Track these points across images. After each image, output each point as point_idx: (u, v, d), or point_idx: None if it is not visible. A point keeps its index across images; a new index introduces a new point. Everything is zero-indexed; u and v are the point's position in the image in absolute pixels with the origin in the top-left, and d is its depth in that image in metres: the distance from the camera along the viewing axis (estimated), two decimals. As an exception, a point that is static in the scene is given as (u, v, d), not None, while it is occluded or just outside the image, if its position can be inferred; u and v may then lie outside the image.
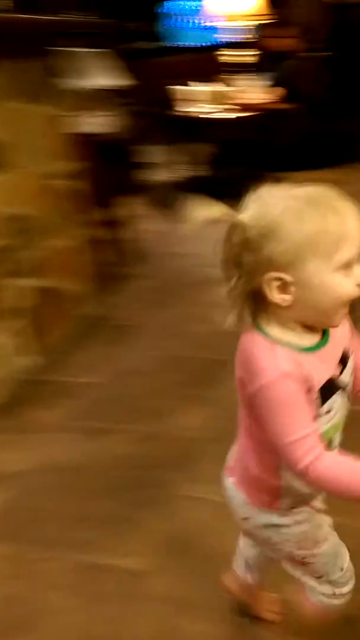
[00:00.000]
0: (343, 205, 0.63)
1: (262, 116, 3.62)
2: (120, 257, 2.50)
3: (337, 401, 0.70)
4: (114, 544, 1.19)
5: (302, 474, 0.64)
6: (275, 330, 0.66)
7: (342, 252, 0.62)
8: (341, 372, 0.70)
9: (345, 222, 0.62)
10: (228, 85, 3.84)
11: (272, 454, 0.69)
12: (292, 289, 0.63)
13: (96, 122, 2.31)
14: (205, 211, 0.64)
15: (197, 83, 3.78)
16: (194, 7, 4.47)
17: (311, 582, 0.82)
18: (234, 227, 0.63)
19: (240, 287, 0.65)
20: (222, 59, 4.11)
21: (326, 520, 0.81)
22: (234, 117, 3.62)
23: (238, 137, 3.48)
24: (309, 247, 0.61)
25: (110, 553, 1.18)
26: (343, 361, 0.70)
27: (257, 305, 0.66)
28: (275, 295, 0.63)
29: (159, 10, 4.52)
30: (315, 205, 0.62)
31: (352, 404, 0.75)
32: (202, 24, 4.48)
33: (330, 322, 0.68)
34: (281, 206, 0.62)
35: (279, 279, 0.62)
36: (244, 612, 1.00)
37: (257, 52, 4.10)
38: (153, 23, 4.45)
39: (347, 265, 0.62)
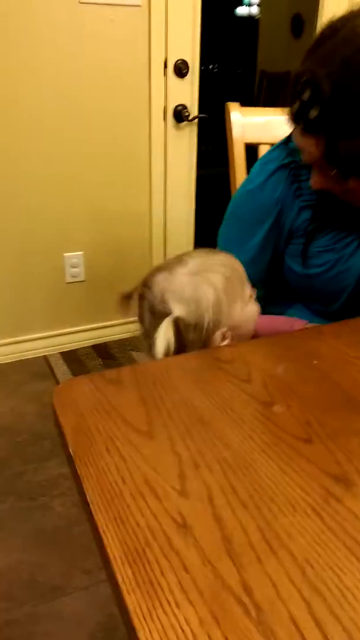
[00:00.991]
0: (226, 257, 0.78)
1: None
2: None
3: None
4: None
5: None
6: None
7: (246, 287, 0.77)
8: None
9: (235, 267, 0.76)
10: None
11: None
12: (228, 333, 0.74)
13: None
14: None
15: None
16: None
17: None
18: (174, 326, 0.71)
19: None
20: None
21: None
22: None
23: None
24: (228, 299, 0.73)
25: None
26: None
27: None
28: (221, 345, 0.74)
29: None
30: (212, 267, 0.74)
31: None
32: None
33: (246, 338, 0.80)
34: (192, 288, 0.72)
35: (220, 334, 0.73)
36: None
37: None
38: None
39: (250, 295, 0.78)
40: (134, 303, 0.77)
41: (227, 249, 0.91)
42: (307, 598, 0.34)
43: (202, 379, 0.59)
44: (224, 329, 0.73)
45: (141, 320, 0.76)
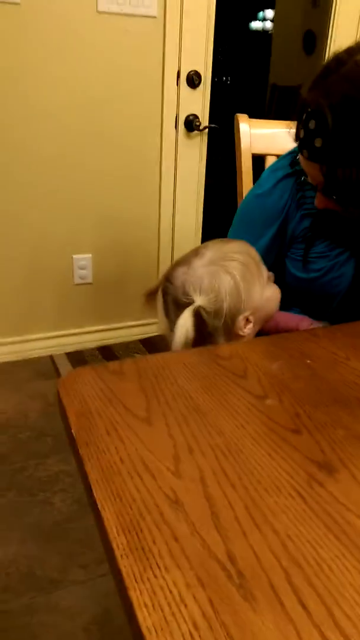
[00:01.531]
0: (240, 244, 0.82)
1: None
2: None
3: None
4: None
5: None
6: None
7: (263, 270, 0.81)
8: None
9: (249, 252, 0.80)
10: None
11: None
12: (251, 317, 0.78)
13: None
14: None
15: None
16: None
17: None
18: (197, 315, 0.74)
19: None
20: None
21: None
22: None
23: None
24: (246, 284, 0.77)
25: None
26: None
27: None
28: (245, 330, 0.78)
29: None
30: (227, 255, 0.78)
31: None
32: None
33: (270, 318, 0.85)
34: (210, 277, 0.76)
35: (242, 318, 0.77)
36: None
37: None
38: None
39: (268, 277, 0.82)
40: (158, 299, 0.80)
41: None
42: (286, 568, 0.37)
43: (201, 373, 0.62)
44: (246, 313, 0.77)
45: (167, 314, 0.79)
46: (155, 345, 2.23)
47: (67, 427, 0.52)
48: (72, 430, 0.50)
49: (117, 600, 1.07)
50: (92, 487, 0.43)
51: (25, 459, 1.59)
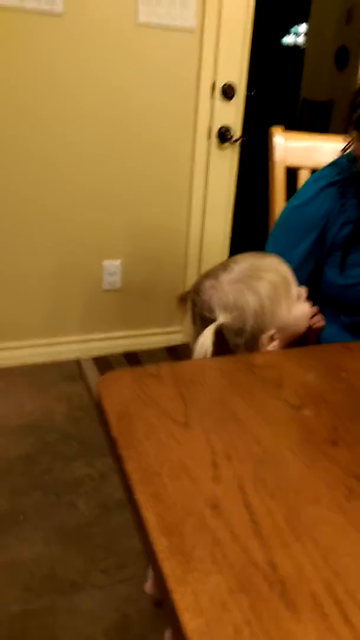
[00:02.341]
0: (271, 260, 0.81)
1: None
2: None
3: None
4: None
5: None
6: None
7: (292, 288, 0.80)
8: None
9: (279, 270, 0.79)
10: None
11: None
12: (276, 335, 0.77)
13: None
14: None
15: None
16: None
17: None
18: (218, 332, 0.74)
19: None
20: None
21: None
22: None
23: None
24: (272, 304, 0.76)
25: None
26: None
27: None
28: (268, 348, 0.78)
29: None
30: (255, 273, 0.77)
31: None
32: None
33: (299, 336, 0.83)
34: (235, 295, 0.76)
35: (266, 337, 0.77)
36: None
37: None
38: None
39: (299, 296, 0.81)
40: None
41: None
42: (327, 579, 0.37)
43: (236, 380, 0.62)
44: (270, 332, 0.77)
45: (194, 323, 0.80)
46: (179, 353, 2.24)
47: (107, 429, 0.53)
48: (113, 432, 0.51)
49: (137, 606, 1.07)
50: (133, 487, 0.44)
51: (51, 461, 1.60)
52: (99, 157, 1.89)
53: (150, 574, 1.14)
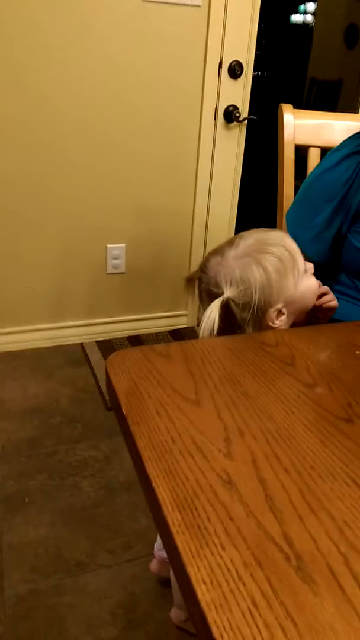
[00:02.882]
0: (277, 234, 0.79)
1: None
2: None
3: None
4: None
5: None
6: None
7: (299, 262, 0.78)
8: None
9: (285, 243, 0.78)
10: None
11: None
12: (284, 309, 0.77)
13: None
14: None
15: None
16: None
17: None
18: (225, 306, 0.73)
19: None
20: None
21: None
22: None
23: None
24: (279, 277, 0.75)
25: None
26: None
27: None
28: (277, 322, 0.77)
29: None
30: (260, 247, 0.76)
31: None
32: None
33: (307, 312, 0.83)
34: (241, 269, 0.75)
35: (274, 310, 0.76)
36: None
37: None
38: None
39: (305, 270, 0.80)
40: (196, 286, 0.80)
41: (294, 227, 0.98)
42: (344, 553, 0.36)
43: (247, 359, 0.61)
44: (278, 306, 0.76)
45: (202, 302, 0.79)
46: (184, 337, 2.23)
47: (117, 406, 0.52)
48: (123, 409, 0.50)
49: (143, 585, 1.08)
50: (145, 463, 0.43)
51: (56, 444, 1.61)
52: (103, 138, 1.86)
53: (156, 552, 1.15)
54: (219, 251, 0.78)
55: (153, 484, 0.41)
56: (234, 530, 0.38)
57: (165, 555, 1.14)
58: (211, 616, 0.31)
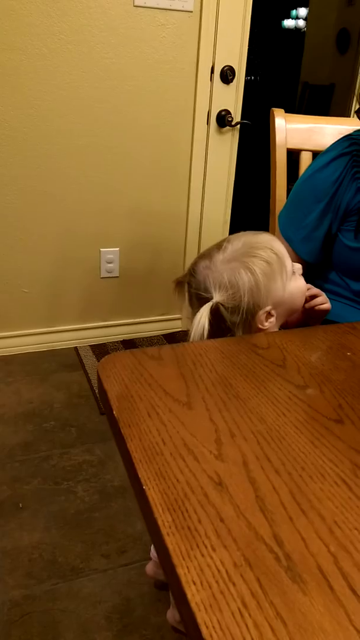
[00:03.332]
0: (264, 237, 0.79)
1: None
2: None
3: None
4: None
5: None
6: None
7: (287, 264, 0.79)
8: None
9: (272, 246, 0.78)
10: None
11: None
12: (273, 311, 0.77)
13: None
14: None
15: None
16: None
17: None
18: (215, 311, 0.74)
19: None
20: None
21: None
22: None
23: None
24: (267, 280, 0.76)
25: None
26: None
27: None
28: (266, 324, 0.77)
29: None
30: (248, 251, 0.77)
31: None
32: None
33: (297, 312, 0.84)
34: (229, 273, 0.75)
35: (263, 313, 0.76)
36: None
37: None
38: None
39: (293, 271, 0.81)
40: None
41: (286, 228, 0.99)
42: (334, 553, 0.36)
43: (239, 361, 0.62)
44: (267, 308, 0.76)
45: (192, 305, 0.80)
46: (178, 340, 2.23)
47: (108, 409, 0.52)
48: (114, 411, 0.50)
49: (139, 590, 1.08)
50: (136, 465, 0.43)
51: (50, 448, 1.60)
52: (96, 143, 1.87)
53: (152, 555, 1.14)
54: (207, 255, 0.79)
55: (144, 486, 0.41)
56: (224, 531, 0.38)
57: None
58: (201, 616, 0.31)
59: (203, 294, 0.76)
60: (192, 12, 1.78)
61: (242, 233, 0.82)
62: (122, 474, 1.52)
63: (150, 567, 1.18)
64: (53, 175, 1.86)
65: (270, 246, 0.79)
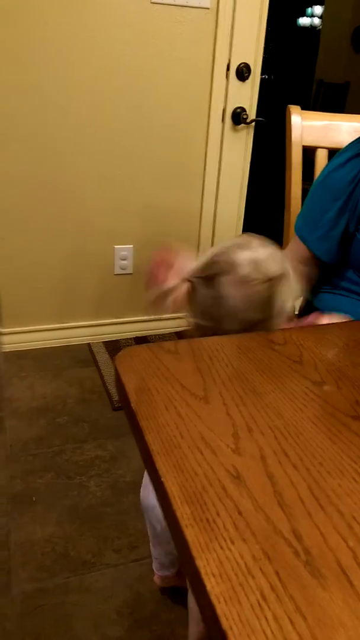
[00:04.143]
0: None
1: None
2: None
3: None
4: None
5: None
6: None
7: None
8: None
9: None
10: None
11: None
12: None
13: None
14: None
15: None
16: None
17: None
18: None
19: None
20: None
21: None
22: None
23: None
24: None
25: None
26: None
27: None
28: None
29: None
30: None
31: None
32: None
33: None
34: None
35: None
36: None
37: None
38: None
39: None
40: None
41: (301, 228, 1.00)
42: (353, 548, 0.36)
43: (256, 357, 0.61)
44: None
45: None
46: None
47: (126, 401, 0.53)
48: (132, 404, 0.51)
49: (149, 585, 1.08)
50: (154, 458, 0.44)
51: (63, 443, 1.61)
52: (110, 139, 1.87)
53: (157, 566, 1.14)
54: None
55: (162, 478, 0.42)
56: (242, 524, 0.38)
57: (167, 573, 1.14)
58: (220, 608, 0.32)
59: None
60: (208, 8, 1.78)
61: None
62: (134, 470, 1.52)
63: (158, 580, 1.18)
64: (66, 173, 1.87)
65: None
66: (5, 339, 2.04)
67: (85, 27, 1.70)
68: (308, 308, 1.10)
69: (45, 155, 1.82)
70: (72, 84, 1.75)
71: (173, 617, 1.16)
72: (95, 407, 1.79)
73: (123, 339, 2.19)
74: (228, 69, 1.87)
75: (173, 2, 1.74)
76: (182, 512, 0.39)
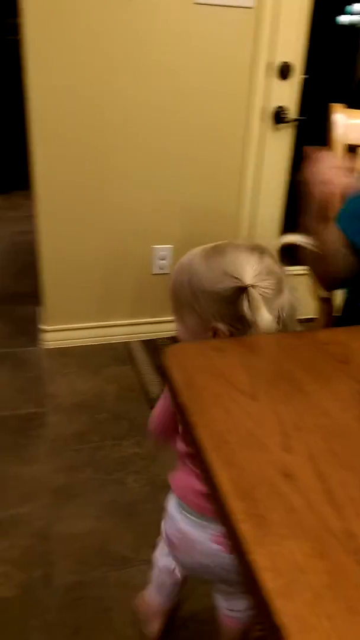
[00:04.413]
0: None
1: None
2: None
3: None
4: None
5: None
6: None
7: None
8: None
9: None
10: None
11: None
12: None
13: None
14: None
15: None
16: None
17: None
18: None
19: None
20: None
21: None
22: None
23: None
24: None
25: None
26: None
27: None
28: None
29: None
30: None
31: None
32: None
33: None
34: None
35: None
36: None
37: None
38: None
39: None
40: None
41: (344, 219, 0.97)
42: None
43: (301, 355, 0.61)
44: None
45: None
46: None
47: (175, 397, 0.53)
48: (181, 399, 0.51)
49: (189, 584, 1.06)
50: (206, 452, 0.44)
51: (102, 439, 1.64)
52: (150, 140, 1.89)
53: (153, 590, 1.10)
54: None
55: (214, 473, 0.42)
56: (294, 521, 0.38)
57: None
58: (277, 603, 0.32)
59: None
60: (252, 7, 1.77)
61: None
62: (171, 469, 1.53)
63: (140, 600, 1.12)
64: (106, 174, 1.89)
65: None
66: (49, 336, 2.09)
67: (129, 29, 1.72)
68: (350, 307, 1.08)
69: (89, 157, 1.85)
70: (115, 85, 1.78)
71: (209, 617, 1.16)
72: (133, 404, 1.81)
73: (160, 339, 2.20)
74: (269, 67, 1.85)
75: (216, 3, 1.74)
76: (235, 506, 0.39)
